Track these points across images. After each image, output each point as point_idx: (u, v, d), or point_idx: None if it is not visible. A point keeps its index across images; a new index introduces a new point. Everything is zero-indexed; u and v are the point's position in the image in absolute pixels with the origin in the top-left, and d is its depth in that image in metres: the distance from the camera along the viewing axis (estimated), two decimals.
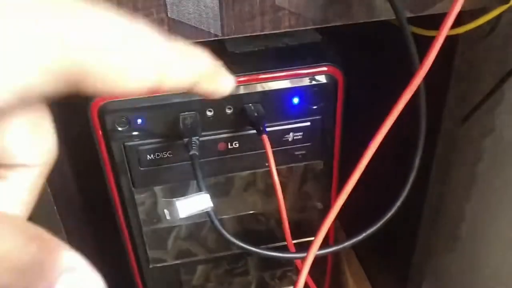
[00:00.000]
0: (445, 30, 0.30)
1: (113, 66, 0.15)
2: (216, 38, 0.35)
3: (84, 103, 0.43)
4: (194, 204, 0.36)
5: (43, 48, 0.13)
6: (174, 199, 0.34)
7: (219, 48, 0.47)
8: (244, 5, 0.34)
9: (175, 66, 0.17)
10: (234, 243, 0.37)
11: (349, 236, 0.42)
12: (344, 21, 0.37)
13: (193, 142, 0.40)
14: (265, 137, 0.41)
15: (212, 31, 0.35)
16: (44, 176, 0.17)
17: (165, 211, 0.47)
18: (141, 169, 0.46)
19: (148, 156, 0.45)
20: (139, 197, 0.49)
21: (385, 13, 0.37)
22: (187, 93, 0.19)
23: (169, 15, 0.33)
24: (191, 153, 0.40)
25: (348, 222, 0.64)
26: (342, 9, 0.36)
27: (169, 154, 0.46)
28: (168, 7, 0.33)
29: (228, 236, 0.36)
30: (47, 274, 0.13)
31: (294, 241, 0.57)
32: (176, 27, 0.34)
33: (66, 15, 0.14)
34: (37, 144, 0.16)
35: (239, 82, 0.44)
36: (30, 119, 0.16)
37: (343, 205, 0.57)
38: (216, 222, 0.36)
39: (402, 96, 0.32)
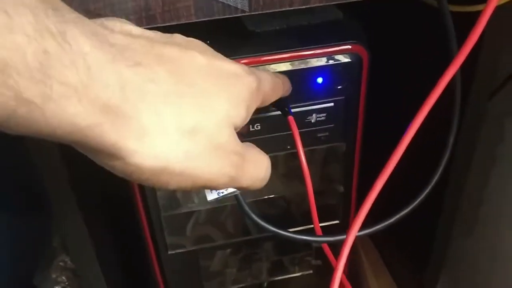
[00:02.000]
0: (494, 2, 0.28)
1: (268, 99, 0.35)
2: (244, 14, 0.34)
3: None
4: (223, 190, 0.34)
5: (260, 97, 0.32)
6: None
7: (239, 27, 0.46)
8: None
9: (281, 90, 0.38)
10: (264, 227, 0.36)
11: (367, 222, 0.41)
12: None
13: None
14: (291, 118, 0.40)
15: (239, 6, 0.33)
16: None
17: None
18: None
19: None
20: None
21: None
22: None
23: None
24: None
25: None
26: None
27: None
28: None
29: (258, 219, 0.35)
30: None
31: (313, 225, 0.57)
32: (202, 3, 0.32)
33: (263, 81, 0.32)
34: None
35: (261, 61, 0.43)
36: None
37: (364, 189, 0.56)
38: (245, 206, 0.35)
39: (441, 81, 0.30)
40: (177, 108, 0.24)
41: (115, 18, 0.26)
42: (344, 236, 0.33)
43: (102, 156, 0.23)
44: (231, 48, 0.43)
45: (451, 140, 0.36)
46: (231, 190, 0.35)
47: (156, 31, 0.28)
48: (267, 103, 0.34)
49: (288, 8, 0.34)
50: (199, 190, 0.28)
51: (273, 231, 0.36)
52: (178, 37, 0.28)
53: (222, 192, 0.34)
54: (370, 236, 0.72)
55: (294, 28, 0.46)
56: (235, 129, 0.28)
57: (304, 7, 0.34)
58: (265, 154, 0.32)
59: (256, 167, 0.30)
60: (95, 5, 0.31)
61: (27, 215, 0.68)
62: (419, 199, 0.37)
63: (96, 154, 0.23)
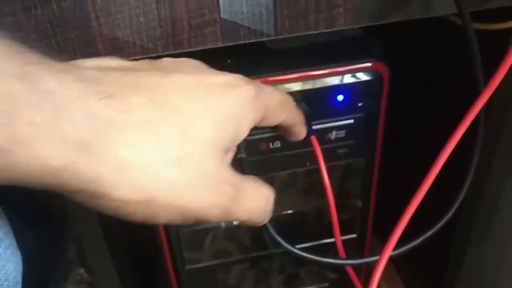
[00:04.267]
0: None
1: (275, 112, 0.30)
2: (269, 38, 0.34)
3: None
4: None
5: (261, 109, 0.28)
6: None
7: (257, 45, 0.45)
8: (299, 2, 0.32)
9: (294, 114, 0.33)
10: (292, 252, 0.35)
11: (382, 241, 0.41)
12: (400, 18, 0.35)
13: (240, 145, 0.39)
14: (314, 138, 0.39)
15: (265, 31, 0.33)
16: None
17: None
18: None
19: None
20: None
21: (443, 9, 0.35)
22: (277, 128, 0.33)
23: (221, 15, 0.32)
24: (238, 156, 0.38)
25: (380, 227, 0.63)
26: (399, 5, 0.35)
27: None
28: (221, 7, 0.32)
29: (284, 243, 0.35)
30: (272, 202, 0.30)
31: (332, 240, 0.56)
32: (228, 28, 0.32)
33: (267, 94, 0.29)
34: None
35: (281, 80, 0.43)
36: None
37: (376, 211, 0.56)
38: (270, 229, 0.35)
39: (471, 111, 0.30)
40: (156, 137, 0.23)
41: (102, 57, 0.26)
42: (377, 258, 0.33)
43: (83, 196, 0.22)
44: (249, 67, 0.43)
45: (474, 162, 0.36)
46: None
47: (143, 60, 0.27)
48: (274, 121, 0.30)
49: (313, 32, 0.34)
50: (192, 223, 0.25)
51: (301, 255, 0.36)
52: (164, 61, 0.27)
53: None
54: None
55: (313, 45, 0.45)
56: (227, 151, 0.26)
57: (329, 30, 0.34)
58: (266, 185, 0.29)
59: (253, 199, 0.27)
60: (122, 32, 0.31)
61: (42, 227, 0.68)
62: (447, 217, 0.37)
63: (76, 195, 0.22)
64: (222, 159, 0.25)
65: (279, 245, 0.35)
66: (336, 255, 0.43)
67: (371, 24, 0.35)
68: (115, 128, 0.21)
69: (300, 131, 0.35)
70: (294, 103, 0.32)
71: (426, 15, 0.36)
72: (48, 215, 0.60)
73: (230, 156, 0.30)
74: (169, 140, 0.23)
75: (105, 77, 0.23)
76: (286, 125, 0.32)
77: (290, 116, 0.32)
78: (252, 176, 0.29)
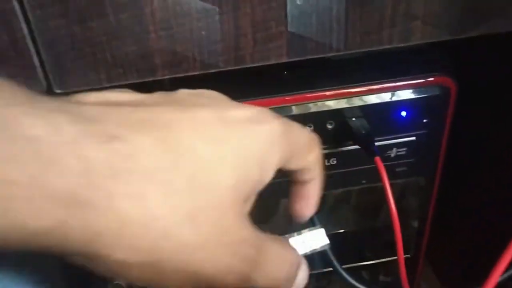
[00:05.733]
0: None
1: (302, 155, 0.25)
2: (338, 54, 0.31)
3: None
4: (309, 241, 0.32)
5: (287, 152, 0.23)
6: (286, 235, 0.30)
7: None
8: (374, 14, 0.30)
9: (316, 162, 0.27)
10: None
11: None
12: (483, 31, 0.32)
13: None
14: (378, 159, 0.37)
15: (334, 45, 0.30)
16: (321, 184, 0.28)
17: None
18: None
19: None
20: None
21: None
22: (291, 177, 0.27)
23: (288, 28, 0.29)
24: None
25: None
26: (481, 17, 0.31)
27: None
28: (289, 19, 0.29)
29: (351, 280, 0.33)
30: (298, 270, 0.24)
31: (383, 260, 0.54)
32: (295, 42, 0.30)
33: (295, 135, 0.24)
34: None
35: (340, 94, 0.40)
36: None
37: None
38: (336, 264, 0.32)
39: None
40: (165, 187, 0.19)
41: (112, 90, 0.22)
42: None
43: (79, 258, 0.19)
44: (306, 80, 0.40)
45: None
46: (319, 244, 0.33)
47: (157, 92, 0.22)
48: (301, 163, 0.25)
49: (386, 46, 0.31)
50: None
51: None
52: (180, 93, 0.23)
53: (311, 247, 0.32)
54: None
55: (375, 56, 0.42)
56: (247, 200, 0.22)
57: (403, 45, 0.31)
58: (292, 249, 0.25)
59: (276, 265, 0.23)
60: (182, 46, 0.29)
61: None
62: None
63: (68, 257, 0.19)
64: (242, 211, 0.21)
65: (343, 278, 0.33)
66: None
67: (450, 38, 0.31)
68: (115, 178, 0.18)
69: (312, 199, 0.28)
70: (320, 147, 0.27)
71: (508, 28, 0.33)
72: None
73: (249, 205, 0.25)
74: (180, 191, 0.19)
75: (109, 115, 0.19)
76: (307, 173, 0.26)
77: (315, 159, 0.26)
78: (276, 236, 0.24)
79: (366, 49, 0.31)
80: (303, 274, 0.24)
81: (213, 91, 0.24)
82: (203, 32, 0.28)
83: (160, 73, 0.30)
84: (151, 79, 0.30)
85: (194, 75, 0.30)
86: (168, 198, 0.19)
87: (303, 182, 0.27)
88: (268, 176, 0.22)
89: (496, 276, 0.30)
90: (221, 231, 0.20)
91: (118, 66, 0.29)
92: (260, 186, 0.22)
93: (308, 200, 0.28)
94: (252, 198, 0.24)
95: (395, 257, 0.52)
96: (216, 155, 0.20)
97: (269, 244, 0.22)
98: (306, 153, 0.25)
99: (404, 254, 0.53)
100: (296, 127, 0.24)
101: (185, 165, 0.19)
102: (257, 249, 0.21)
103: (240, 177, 0.20)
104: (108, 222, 0.18)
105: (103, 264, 0.19)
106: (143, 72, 0.29)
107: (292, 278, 0.24)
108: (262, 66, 0.31)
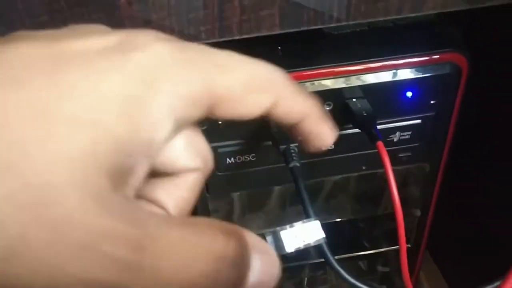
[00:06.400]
0: None
1: (239, 97, 0.17)
2: (339, 24, 0.27)
3: None
4: (303, 234, 0.28)
5: (197, 89, 0.15)
6: (277, 228, 0.26)
7: (313, 31, 0.39)
8: None
9: (288, 97, 0.18)
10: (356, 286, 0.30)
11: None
12: (500, 1, 0.28)
13: (292, 151, 0.33)
14: (381, 144, 0.33)
15: (335, 14, 0.26)
16: (203, 179, 0.19)
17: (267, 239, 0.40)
18: (219, 174, 0.39)
19: (228, 159, 0.38)
20: (214, 204, 0.42)
21: None
22: (291, 133, 0.20)
23: None
24: (291, 165, 0.32)
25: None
26: None
27: (252, 157, 0.38)
28: None
29: (348, 277, 0.29)
30: (248, 262, 0.14)
31: (382, 249, 0.50)
32: (289, 11, 0.26)
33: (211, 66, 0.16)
34: (194, 152, 0.18)
35: (340, 72, 0.36)
36: (185, 135, 0.18)
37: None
38: (331, 259, 0.29)
39: None
40: None
41: None
42: None
43: None
44: (302, 56, 0.36)
45: None
46: (314, 238, 0.29)
47: None
48: (247, 107, 0.17)
49: (394, 17, 0.27)
50: None
51: None
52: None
53: (304, 241, 0.28)
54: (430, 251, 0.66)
55: (377, 30, 0.38)
56: (123, 174, 0.14)
57: (414, 15, 0.27)
58: (218, 232, 0.14)
59: (176, 261, 0.13)
60: (157, 14, 0.24)
61: None
62: None
63: None
64: (106, 192, 0.13)
65: (339, 275, 0.29)
66: None
67: (468, 7, 0.27)
68: None
69: (320, 131, 0.20)
70: (287, 78, 0.18)
71: None
72: None
73: (134, 182, 0.15)
74: None
75: None
76: (285, 121, 0.19)
77: (284, 105, 0.18)
78: (192, 226, 0.14)
79: (371, 19, 0.27)
80: (261, 269, 0.15)
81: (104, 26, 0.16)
82: None
83: None
84: None
85: None
86: None
87: (293, 126, 0.19)
88: (157, 132, 0.14)
89: None
90: (53, 224, 0.12)
91: None
92: (148, 151, 0.14)
93: (314, 137, 0.20)
94: (141, 171, 0.15)
95: (394, 247, 0.49)
96: (47, 105, 0.13)
97: (165, 236, 0.13)
98: (247, 94, 0.17)
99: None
100: (218, 54, 0.16)
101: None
102: (133, 246, 0.13)
103: (91, 138, 0.13)
104: None
105: None
106: None
107: (228, 273, 0.14)
108: (251, 38, 0.27)
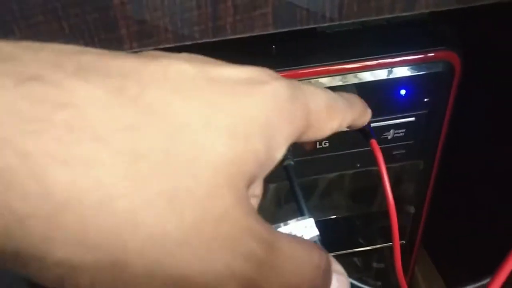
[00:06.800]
0: None
1: (321, 124, 0.19)
2: (332, 24, 0.27)
3: None
4: (297, 232, 0.28)
5: (301, 121, 0.18)
6: (272, 226, 0.27)
7: (307, 30, 0.39)
8: None
9: (348, 118, 0.22)
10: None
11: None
12: None
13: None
14: (374, 142, 0.33)
15: (328, 14, 0.27)
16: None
17: None
18: None
19: None
20: None
21: None
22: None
23: None
24: (285, 163, 0.32)
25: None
26: None
27: None
28: None
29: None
30: (331, 277, 0.17)
31: (377, 246, 0.51)
32: (282, 10, 0.26)
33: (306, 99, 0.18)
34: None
35: (334, 70, 0.36)
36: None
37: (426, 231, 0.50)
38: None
39: None
40: (127, 153, 0.13)
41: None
42: None
43: (9, 264, 0.13)
44: (297, 54, 0.37)
45: None
46: (308, 236, 0.29)
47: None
48: (322, 132, 0.20)
49: (387, 16, 0.27)
50: None
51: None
52: (151, 52, 0.17)
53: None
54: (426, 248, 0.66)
55: (371, 29, 0.39)
56: (251, 182, 0.16)
57: (407, 14, 0.27)
58: (318, 249, 0.17)
59: (293, 268, 0.15)
60: (151, 14, 0.25)
61: None
62: None
63: None
64: (244, 195, 0.15)
65: None
66: None
67: (461, 6, 0.28)
68: (38, 134, 0.12)
69: (362, 122, 0.26)
70: (346, 104, 0.22)
71: None
72: None
73: (257, 191, 0.20)
74: (149, 162, 0.13)
75: (34, 53, 0.13)
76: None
77: (346, 122, 0.22)
78: (294, 235, 0.19)
79: (364, 19, 0.27)
80: (337, 285, 0.18)
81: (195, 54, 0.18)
82: None
83: (127, 45, 0.26)
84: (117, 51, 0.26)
85: (168, 48, 0.26)
86: (131, 168, 0.12)
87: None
88: (278, 152, 0.17)
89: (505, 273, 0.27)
90: (214, 218, 0.13)
91: (77, 37, 0.25)
92: (269, 166, 0.17)
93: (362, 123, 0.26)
94: (259, 182, 0.20)
95: (389, 244, 0.49)
96: (204, 118, 0.14)
97: (284, 241, 0.15)
98: (329, 120, 0.20)
99: (400, 240, 0.50)
100: (308, 89, 0.19)
101: (158, 124, 0.13)
102: (267, 246, 0.14)
103: (240, 149, 0.15)
104: (35, 201, 0.11)
105: (39, 269, 0.12)
106: (108, 43, 0.26)
107: (312, 284, 0.16)
108: (245, 38, 0.27)
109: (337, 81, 0.36)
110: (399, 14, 0.27)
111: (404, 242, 0.51)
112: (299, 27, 0.27)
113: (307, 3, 0.26)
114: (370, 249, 0.50)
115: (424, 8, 0.27)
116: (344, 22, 0.27)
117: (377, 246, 0.51)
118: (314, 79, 0.36)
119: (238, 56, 0.35)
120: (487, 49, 0.43)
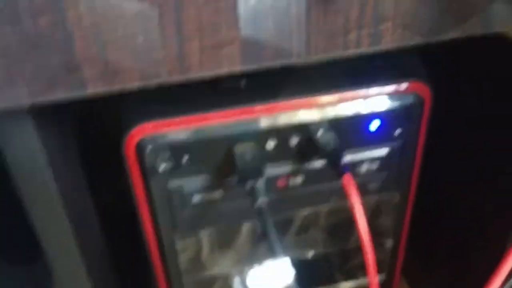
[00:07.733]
0: None
1: None
2: (298, 62, 0.27)
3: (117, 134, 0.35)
4: (271, 274, 0.28)
5: None
6: (245, 267, 0.26)
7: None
8: (338, 15, 0.26)
9: None
10: None
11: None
12: (459, 34, 0.29)
13: (257, 187, 0.32)
14: (349, 177, 0.33)
15: (294, 51, 0.27)
16: None
17: (235, 281, 0.39)
18: (186, 211, 0.38)
19: (195, 196, 0.37)
20: (181, 243, 0.41)
21: (505, 24, 0.29)
22: None
23: (242, 33, 0.25)
24: (257, 204, 0.31)
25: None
26: (457, 19, 0.28)
27: (220, 193, 0.38)
28: (242, 22, 0.25)
29: None
30: None
31: (357, 281, 0.50)
32: (250, 48, 0.26)
33: None
34: None
35: (305, 105, 0.36)
36: None
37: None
38: None
39: None
40: None
41: None
42: None
43: None
44: (267, 89, 0.36)
45: None
46: (283, 279, 0.29)
47: None
48: None
49: (354, 51, 0.27)
50: None
51: None
52: None
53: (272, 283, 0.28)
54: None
55: (342, 63, 0.39)
56: None
57: (373, 49, 0.28)
58: None
59: None
60: (113, 57, 0.24)
61: (23, 269, 0.61)
62: None
63: None
64: None
65: None
66: None
67: (424, 42, 0.28)
68: None
69: None
70: None
71: (488, 30, 0.29)
72: (30, 254, 0.53)
73: None
74: None
75: None
76: None
77: None
78: None
79: (331, 55, 0.27)
80: None
81: None
82: (140, 37, 0.24)
83: (91, 86, 0.25)
84: (81, 93, 0.25)
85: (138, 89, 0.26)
86: None
87: None
88: None
89: None
90: None
91: (41, 79, 0.24)
92: None
93: None
94: None
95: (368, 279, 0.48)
96: None
97: None
98: None
99: (379, 274, 0.50)
100: None
101: None
102: None
103: None
104: None
105: None
106: (71, 85, 0.25)
107: None
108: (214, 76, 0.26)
109: (306, 115, 0.36)
110: (365, 50, 0.27)
111: (383, 276, 0.50)
112: (267, 64, 0.27)
113: (274, 41, 0.26)
114: (348, 286, 0.49)
115: (389, 44, 0.28)
116: (312, 58, 0.27)
117: (357, 281, 0.50)
118: (284, 114, 0.36)
119: (205, 93, 0.35)
120: (457, 80, 0.43)
